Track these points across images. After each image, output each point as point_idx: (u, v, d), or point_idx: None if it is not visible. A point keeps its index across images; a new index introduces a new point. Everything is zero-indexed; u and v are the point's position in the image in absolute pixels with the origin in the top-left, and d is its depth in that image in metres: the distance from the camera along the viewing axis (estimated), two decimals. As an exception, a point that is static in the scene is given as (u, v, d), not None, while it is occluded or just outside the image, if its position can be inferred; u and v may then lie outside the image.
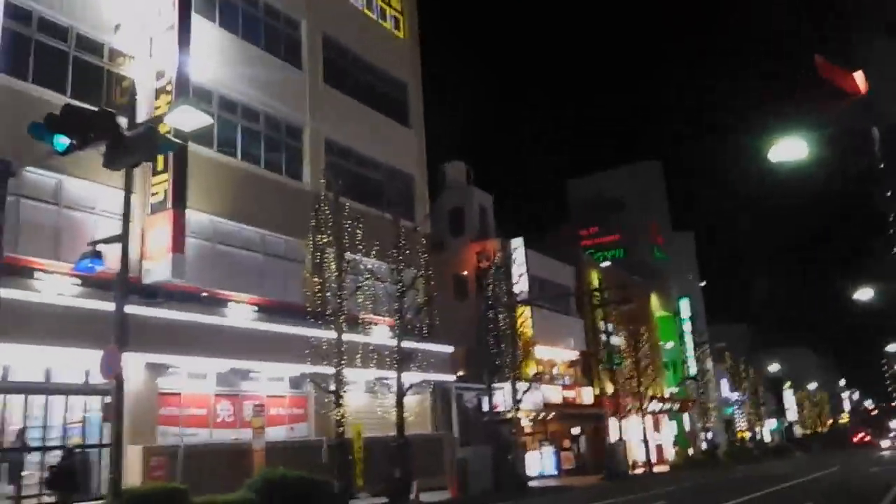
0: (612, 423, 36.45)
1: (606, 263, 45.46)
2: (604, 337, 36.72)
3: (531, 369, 30.57)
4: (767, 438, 72.98)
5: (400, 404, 18.21)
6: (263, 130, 20.92)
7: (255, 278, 19.34)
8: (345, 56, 24.88)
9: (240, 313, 18.09)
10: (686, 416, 51.18)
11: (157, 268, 15.51)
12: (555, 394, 33.09)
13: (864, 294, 28.53)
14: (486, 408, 26.97)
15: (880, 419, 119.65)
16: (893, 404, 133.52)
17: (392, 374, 20.60)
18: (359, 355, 18.85)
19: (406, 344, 20.96)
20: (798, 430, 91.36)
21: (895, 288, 31.39)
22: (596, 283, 38.62)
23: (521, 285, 31.05)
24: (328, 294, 17.86)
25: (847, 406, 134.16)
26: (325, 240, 18.21)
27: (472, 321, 29.31)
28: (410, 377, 21.76)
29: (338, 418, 16.71)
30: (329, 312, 17.54)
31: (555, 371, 35.20)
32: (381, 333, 21.50)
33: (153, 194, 16.11)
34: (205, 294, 16.90)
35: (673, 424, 49.72)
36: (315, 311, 17.71)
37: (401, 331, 18.92)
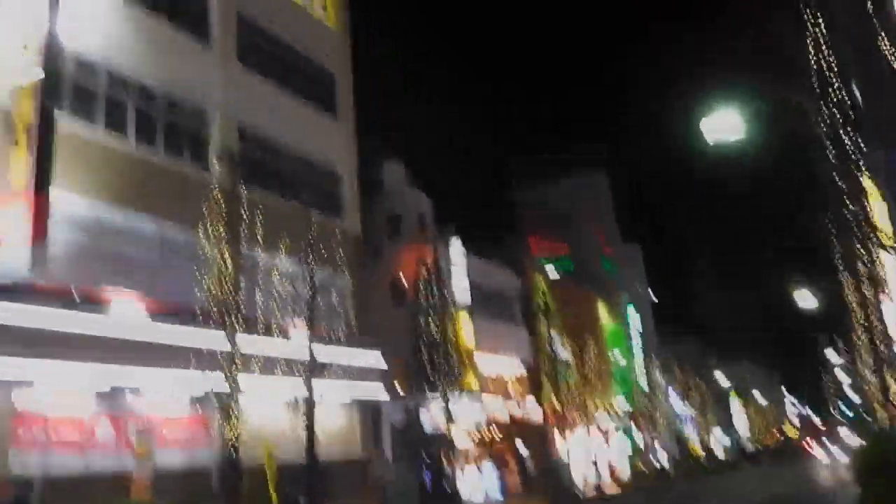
0: (560, 439, 34.68)
1: (553, 274, 43.87)
2: (552, 348, 35.07)
3: (471, 382, 28.59)
4: (718, 452, 72.41)
5: (309, 420, 15.88)
6: (163, 112, 18.52)
7: (150, 277, 16.84)
8: (263, 37, 22.66)
9: (127, 317, 15.57)
10: (639, 431, 49.81)
11: (10, 260, 12.97)
12: (499, 408, 31.12)
13: (803, 297, 27.53)
14: (425, 425, 24.89)
15: (826, 430, 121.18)
16: (835, 413, 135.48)
17: (322, 386, 18.52)
18: (256, 364, 16.39)
19: (329, 354, 18.82)
20: (748, 444, 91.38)
21: (834, 288, 30.44)
22: (544, 291, 36.94)
23: (460, 292, 29.12)
24: (227, 295, 15.49)
25: (794, 419, 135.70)
26: (219, 232, 15.82)
27: (412, 331, 27.26)
28: (331, 390, 19.53)
29: (229, 438, 14.30)
30: (226, 315, 15.17)
31: (499, 384, 33.23)
32: (302, 342, 19.18)
33: (11, 174, 13.59)
34: (77, 293, 14.37)
35: (624, 440, 48.24)
36: (213, 314, 15.33)
37: (311, 337, 16.64)
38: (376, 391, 22.70)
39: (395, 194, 32.39)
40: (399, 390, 24.78)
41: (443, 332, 26.64)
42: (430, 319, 26.73)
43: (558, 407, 34.11)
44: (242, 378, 16.26)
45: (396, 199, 32.13)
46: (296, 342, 18.48)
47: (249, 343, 16.98)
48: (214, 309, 15.44)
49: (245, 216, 17.35)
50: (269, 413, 18.42)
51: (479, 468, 29.55)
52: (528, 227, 59.41)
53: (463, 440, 28.38)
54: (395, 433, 23.77)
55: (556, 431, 34.24)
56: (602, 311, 47.36)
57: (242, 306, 16.23)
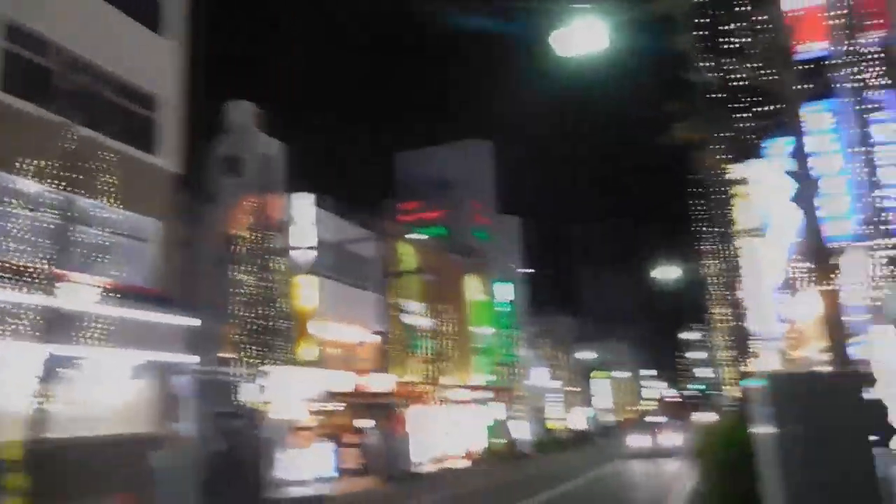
0: (413, 413, 32.53)
1: (422, 240, 41.40)
2: (408, 317, 32.68)
3: (310, 351, 25.64)
4: (581, 426, 73.54)
5: (42, 391, 12.38)
6: None
7: None
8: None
9: None
10: (500, 406, 48.72)
11: None
12: (343, 380, 28.36)
13: (666, 273, 26.63)
14: (249, 397, 21.69)
15: (679, 408, 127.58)
16: (686, 394, 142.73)
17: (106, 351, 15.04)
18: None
19: (120, 310, 15.36)
20: (608, 419, 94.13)
21: (695, 267, 29.78)
22: (407, 256, 34.38)
23: (305, 250, 25.95)
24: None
25: (649, 394, 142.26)
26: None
27: (241, 290, 23.84)
28: (118, 355, 16.04)
29: None
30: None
31: (346, 355, 30.44)
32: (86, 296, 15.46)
33: None
34: None
35: (486, 414, 47.02)
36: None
37: (52, 283, 13.06)
38: (181, 358, 19.28)
39: (239, 135, 28.53)
40: (217, 358, 21.46)
41: (279, 294, 23.47)
42: (265, 278, 23.43)
43: (411, 380, 31.86)
44: None
45: (240, 140, 28.30)
46: (77, 296, 14.75)
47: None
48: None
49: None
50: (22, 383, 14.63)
51: (313, 446, 26.76)
52: (403, 191, 56.81)
53: (296, 415, 25.45)
54: (203, 408, 20.44)
55: (407, 405, 32.00)
56: (471, 281, 45.50)
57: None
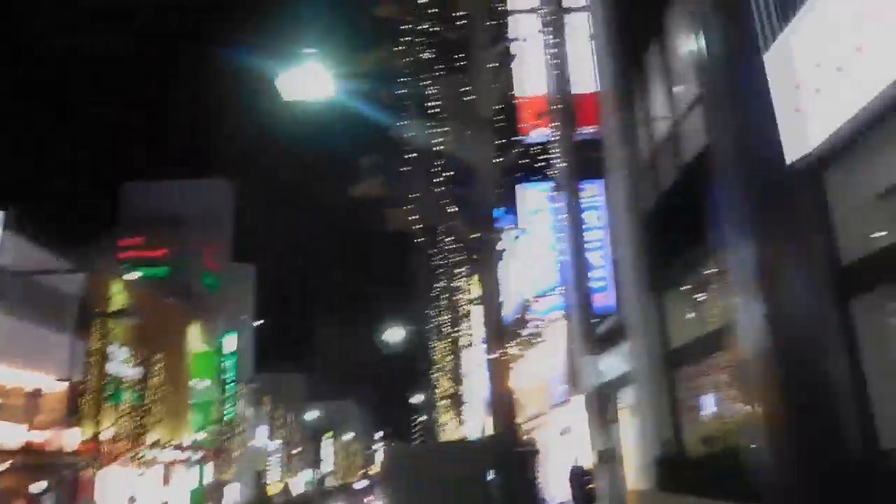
0: (104, 476, 28.48)
1: (140, 280, 37.53)
2: (112, 365, 28.95)
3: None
4: (302, 489, 70.95)
5: None
6: None
7: None
8: None
9: None
10: (212, 467, 44.99)
11: None
12: (11, 435, 23.88)
13: (396, 335, 27.18)
14: None
15: None
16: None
17: None
18: None
19: None
20: (331, 481, 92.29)
21: (423, 330, 30.84)
22: (118, 295, 30.63)
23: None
24: None
25: (381, 457, 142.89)
26: None
27: None
28: None
29: None
30: None
31: (23, 405, 25.80)
32: None
33: None
34: None
35: (191, 476, 43.00)
36: None
37: None
38: None
39: None
40: None
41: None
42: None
43: (107, 436, 28.00)
44: None
45: None
46: None
47: None
48: None
49: None
50: None
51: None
52: (128, 225, 51.63)
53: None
54: None
55: (98, 466, 27.96)
56: (193, 330, 42.11)
57: None
